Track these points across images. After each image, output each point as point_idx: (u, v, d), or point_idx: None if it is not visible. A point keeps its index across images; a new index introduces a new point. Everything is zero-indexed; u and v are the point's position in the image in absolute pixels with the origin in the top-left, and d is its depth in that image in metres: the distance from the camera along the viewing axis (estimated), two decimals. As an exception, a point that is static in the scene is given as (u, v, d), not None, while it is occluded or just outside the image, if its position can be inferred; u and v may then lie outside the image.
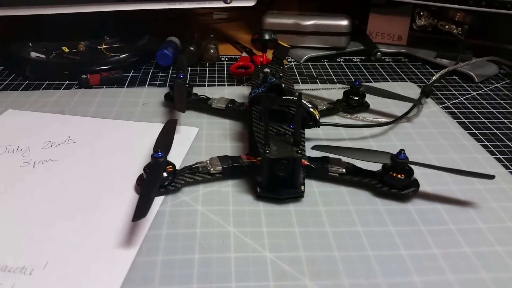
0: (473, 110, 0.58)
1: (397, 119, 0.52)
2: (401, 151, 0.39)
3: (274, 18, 0.74)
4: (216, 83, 0.63)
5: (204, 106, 0.54)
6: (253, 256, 0.34)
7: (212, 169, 0.41)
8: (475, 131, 0.52)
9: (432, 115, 0.55)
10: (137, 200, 0.35)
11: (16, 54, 0.65)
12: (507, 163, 0.46)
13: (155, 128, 0.47)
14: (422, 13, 0.72)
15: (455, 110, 0.57)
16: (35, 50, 0.65)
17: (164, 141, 0.43)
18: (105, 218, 0.37)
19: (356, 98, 0.55)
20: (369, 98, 0.56)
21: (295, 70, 0.69)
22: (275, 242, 0.35)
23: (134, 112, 0.54)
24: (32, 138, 0.47)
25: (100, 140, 0.47)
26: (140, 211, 0.34)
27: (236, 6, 0.69)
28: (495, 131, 0.53)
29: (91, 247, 0.34)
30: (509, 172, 0.45)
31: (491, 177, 0.40)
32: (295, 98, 0.41)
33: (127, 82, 0.62)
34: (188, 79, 0.63)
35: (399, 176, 0.39)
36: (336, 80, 0.65)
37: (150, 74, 0.65)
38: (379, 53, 0.72)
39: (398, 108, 0.56)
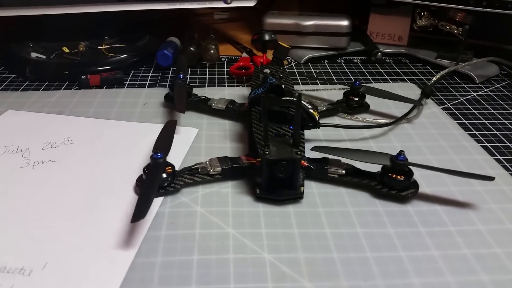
0: (474, 111, 0.58)
1: (397, 120, 0.52)
2: (401, 152, 0.39)
3: (275, 18, 0.74)
4: (216, 84, 0.63)
5: (204, 106, 0.53)
6: (252, 257, 0.34)
7: (211, 170, 0.41)
8: (475, 132, 0.52)
9: (432, 116, 0.55)
10: (136, 201, 0.35)
11: (16, 54, 0.66)
12: (507, 165, 0.46)
13: (155, 129, 0.47)
14: (422, 13, 0.71)
15: (456, 111, 0.57)
16: (35, 50, 0.65)
17: (164, 142, 0.43)
18: (104, 219, 0.37)
19: (356, 99, 0.55)
20: (369, 99, 0.56)
21: (295, 70, 0.69)
22: (274, 243, 0.35)
23: (134, 112, 0.54)
24: (32, 138, 0.47)
25: (99, 140, 0.47)
26: (139, 212, 0.34)
27: (237, 6, 0.69)
28: (496, 132, 0.53)
29: (90, 247, 0.34)
30: (509, 173, 0.44)
31: (491, 178, 0.40)
32: (295, 99, 0.41)
33: (127, 82, 0.62)
34: (188, 80, 0.63)
35: (398, 177, 0.39)
36: (336, 81, 0.65)
37: (150, 74, 0.65)
38: (379, 53, 0.72)
39: (398, 109, 0.56)
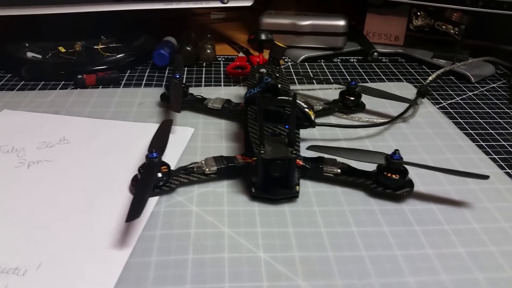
0: (469, 110, 0.58)
1: (392, 120, 0.52)
2: (396, 151, 0.39)
3: (271, 18, 0.74)
4: (213, 83, 0.63)
5: (200, 106, 0.53)
6: (247, 256, 0.34)
7: (207, 169, 0.41)
8: (470, 131, 0.53)
9: (428, 115, 0.55)
10: (131, 201, 0.35)
11: (12, 54, 0.65)
12: (502, 164, 0.46)
13: (151, 129, 0.47)
14: (419, 13, 0.72)
15: (451, 110, 0.58)
16: (31, 50, 0.65)
17: (159, 142, 0.43)
18: (100, 218, 0.37)
19: (352, 98, 0.55)
20: (365, 99, 0.56)
21: (291, 70, 0.69)
22: (269, 242, 0.35)
23: (130, 112, 0.54)
24: (27, 138, 0.47)
25: (95, 140, 0.47)
26: (134, 211, 0.34)
27: (233, 6, 0.69)
28: (491, 131, 0.53)
29: (85, 247, 0.34)
30: (504, 172, 0.45)
31: (486, 177, 0.40)
32: (290, 99, 0.41)
33: (123, 82, 0.62)
34: (184, 79, 0.63)
35: (393, 176, 0.39)
36: (332, 80, 0.65)
37: (146, 74, 0.65)
38: (376, 53, 0.72)
39: (394, 108, 0.56)
